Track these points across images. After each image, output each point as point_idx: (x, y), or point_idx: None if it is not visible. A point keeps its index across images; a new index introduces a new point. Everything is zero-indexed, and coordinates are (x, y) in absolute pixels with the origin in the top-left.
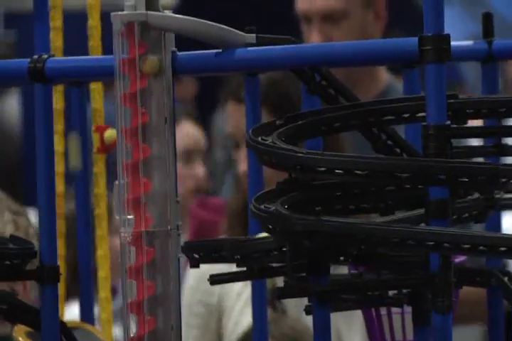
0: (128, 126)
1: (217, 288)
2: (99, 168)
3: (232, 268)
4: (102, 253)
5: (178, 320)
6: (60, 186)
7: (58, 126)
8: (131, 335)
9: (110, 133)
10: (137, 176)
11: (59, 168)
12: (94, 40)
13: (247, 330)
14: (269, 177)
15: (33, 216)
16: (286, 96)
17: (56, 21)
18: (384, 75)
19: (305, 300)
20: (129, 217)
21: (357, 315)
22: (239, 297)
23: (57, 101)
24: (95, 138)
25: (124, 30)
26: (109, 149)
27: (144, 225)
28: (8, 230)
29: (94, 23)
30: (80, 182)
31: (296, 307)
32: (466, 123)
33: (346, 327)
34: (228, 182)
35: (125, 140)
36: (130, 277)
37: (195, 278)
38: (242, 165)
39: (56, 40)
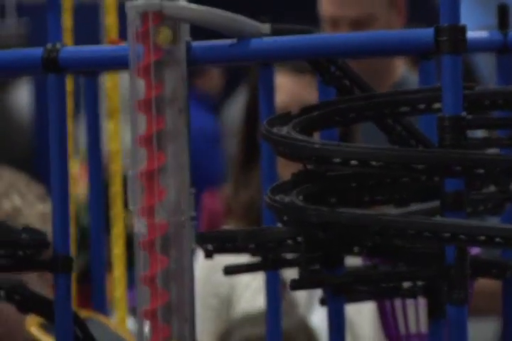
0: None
1: (226, 279)
2: (117, 208)
3: (239, 260)
4: (117, 231)
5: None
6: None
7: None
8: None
9: None
10: (152, 177)
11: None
12: (111, 31)
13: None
14: (282, 169)
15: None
16: None
17: (66, 2)
18: (400, 67)
19: (315, 295)
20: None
21: (367, 306)
22: (247, 288)
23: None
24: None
25: (138, 21)
26: None
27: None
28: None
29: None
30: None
31: (305, 301)
32: (482, 114)
33: (358, 317)
34: None
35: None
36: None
37: (204, 270)
38: None
39: (66, 21)
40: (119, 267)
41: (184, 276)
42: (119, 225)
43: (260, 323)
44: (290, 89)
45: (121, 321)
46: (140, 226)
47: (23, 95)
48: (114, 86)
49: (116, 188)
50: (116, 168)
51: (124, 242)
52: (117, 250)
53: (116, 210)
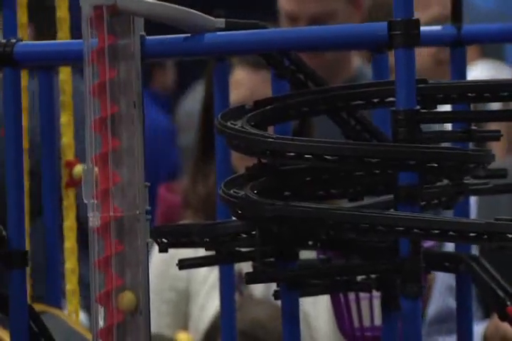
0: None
1: (184, 272)
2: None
3: (197, 253)
4: (69, 224)
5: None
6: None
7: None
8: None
9: (79, 169)
10: (106, 164)
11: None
12: (62, 25)
13: (215, 318)
14: (237, 163)
15: None
16: None
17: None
18: (354, 61)
19: (272, 286)
20: (96, 201)
21: (322, 298)
22: (204, 281)
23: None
24: (64, 172)
25: (92, 14)
26: (77, 183)
27: (113, 211)
28: None
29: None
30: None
31: (262, 293)
32: (435, 108)
33: (313, 310)
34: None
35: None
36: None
37: (161, 264)
38: None
39: (22, 17)
40: (71, 260)
41: (139, 268)
42: (71, 218)
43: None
44: (248, 84)
45: (74, 314)
46: (94, 220)
47: None
48: (68, 79)
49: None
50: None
51: (75, 235)
52: (69, 243)
53: (68, 203)
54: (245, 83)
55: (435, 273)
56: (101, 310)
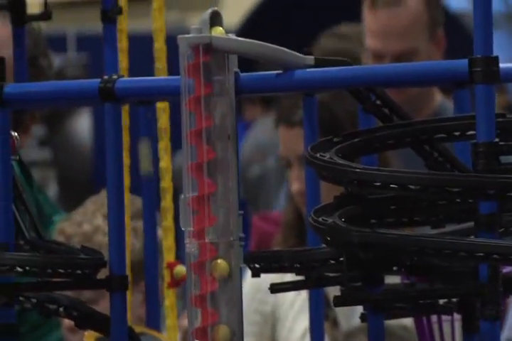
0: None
1: (271, 297)
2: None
3: (284, 278)
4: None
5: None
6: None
7: (125, 140)
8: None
9: (179, 269)
10: (202, 193)
11: (126, 180)
12: (160, 62)
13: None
14: (326, 192)
15: None
16: (333, 116)
17: (122, 43)
18: (437, 96)
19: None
20: (192, 229)
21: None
22: (292, 306)
23: (124, 118)
24: (166, 273)
25: (189, 52)
26: (178, 284)
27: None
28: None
29: (159, 45)
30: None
31: (346, 318)
32: None
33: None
34: (282, 198)
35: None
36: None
37: (250, 289)
38: (295, 184)
39: (122, 60)
40: (170, 298)
41: (233, 294)
42: (170, 238)
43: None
44: (285, 139)
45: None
46: (191, 246)
47: (84, 123)
48: (165, 106)
49: (166, 204)
50: (166, 185)
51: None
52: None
53: (167, 224)
54: (282, 138)
55: None
56: None
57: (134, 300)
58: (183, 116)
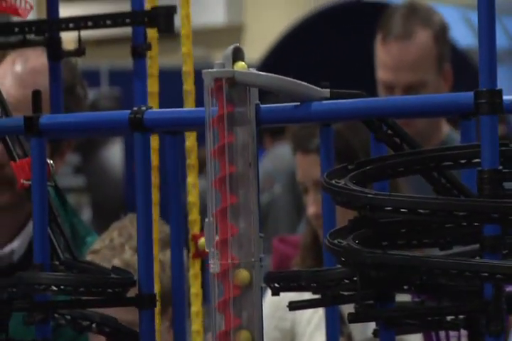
0: (217, 177)
1: (290, 314)
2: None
3: (301, 297)
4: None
5: None
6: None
7: (154, 179)
8: None
9: (204, 241)
10: (225, 217)
11: (155, 215)
12: (188, 102)
13: None
14: (340, 216)
15: None
16: (348, 145)
17: (153, 69)
18: (444, 127)
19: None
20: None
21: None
22: (309, 322)
23: (153, 158)
24: (191, 245)
25: (213, 85)
26: (202, 255)
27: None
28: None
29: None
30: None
31: (360, 334)
32: None
33: None
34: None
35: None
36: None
37: (270, 306)
38: (311, 208)
39: (152, 86)
40: (196, 303)
41: (254, 311)
42: (197, 265)
43: None
44: (301, 165)
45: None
46: (214, 266)
47: (116, 151)
48: (193, 145)
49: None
50: (193, 218)
51: (200, 281)
52: (194, 289)
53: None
54: (299, 164)
55: None
56: None
57: (161, 327)
58: (206, 139)
